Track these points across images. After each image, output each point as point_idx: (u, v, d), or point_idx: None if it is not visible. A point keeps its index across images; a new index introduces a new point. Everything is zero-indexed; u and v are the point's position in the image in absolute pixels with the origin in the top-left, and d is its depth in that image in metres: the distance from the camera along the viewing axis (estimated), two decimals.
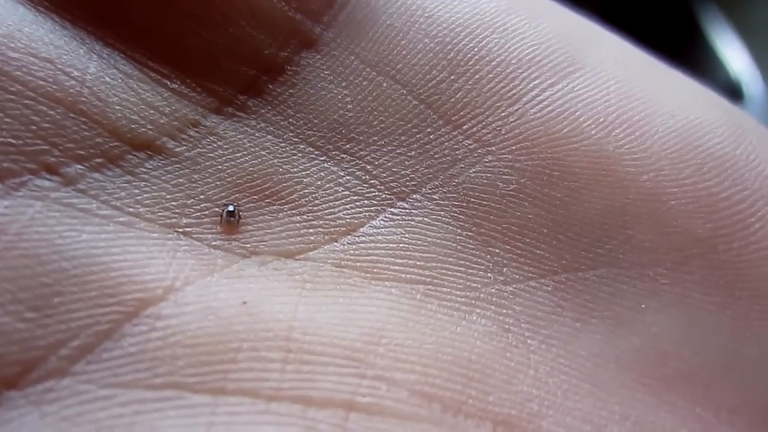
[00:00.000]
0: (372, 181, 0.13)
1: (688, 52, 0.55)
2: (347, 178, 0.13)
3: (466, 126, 0.13)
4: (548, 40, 0.13)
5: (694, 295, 0.12)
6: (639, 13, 0.57)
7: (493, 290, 0.12)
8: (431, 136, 0.13)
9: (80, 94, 0.12)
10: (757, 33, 0.52)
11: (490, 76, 0.13)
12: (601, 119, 0.13)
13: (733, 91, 0.50)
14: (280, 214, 0.12)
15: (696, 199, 0.12)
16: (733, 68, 0.51)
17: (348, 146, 0.13)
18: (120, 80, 0.12)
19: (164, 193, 0.12)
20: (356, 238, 0.12)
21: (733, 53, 0.51)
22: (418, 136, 0.13)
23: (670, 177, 0.12)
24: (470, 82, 0.13)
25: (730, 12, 0.53)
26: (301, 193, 0.13)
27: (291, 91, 0.13)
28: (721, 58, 0.52)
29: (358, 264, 0.12)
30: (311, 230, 0.12)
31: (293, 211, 0.12)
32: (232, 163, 0.13)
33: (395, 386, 0.11)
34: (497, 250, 0.12)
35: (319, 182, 0.13)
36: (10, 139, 0.11)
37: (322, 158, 0.13)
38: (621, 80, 0.13)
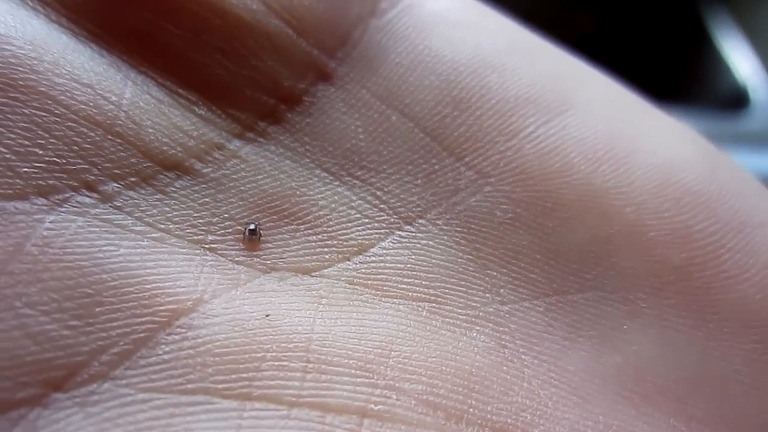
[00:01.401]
0: (381, 206, 0.14)
1: (695, 57, 0.55)
2: (359, 202, 0.14)
3: (467, 158, 0.14)
4: (543, 80, 0.15)
5: (670, 317, 0.13)
6: (647, 19, 0.58)
7: (491, 309, 0.13)
8: (436, 167, 0.14)
9: (117, 117, 0.13)
10: (764, 38, 0.52)
11: (491, 112, 0.14)
12: (590, 156, 0.14)
13: (739, 96, 0.51)
14: (298, 233, 0.13)
15: (673, 231, 0.14)
16: (740, 73, 0.52)
17: (360, 173, 0.14)
18: (153, 105, 0.13)
19: (192, 212, 0.13)
20: (367, 257, 0.13)
21: (740, 58, 0.52)
22: (424, 166, 0.14)
23: (650, 210, 0.14)
24: (472, 118, 0.14)
25: (737, 17, 0.53)
26: (316, 214, 0.14)
27: (308, 120, 0.14)
28: (728, 64, 0.52)
29: (369, 282, 0.13)
30: (326, 249, 0.13)
31: (309, 231, 0.14)
32: (254, 184, 0.14)
33: (404, 395, 0.12)
34: (495, 273, 0.14)
35: (333, 205, 0.14)
36: (54, 158, 0.12)
37: (336, 183, 0.14)
38: (608, 119, 0.15)
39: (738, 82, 0.52)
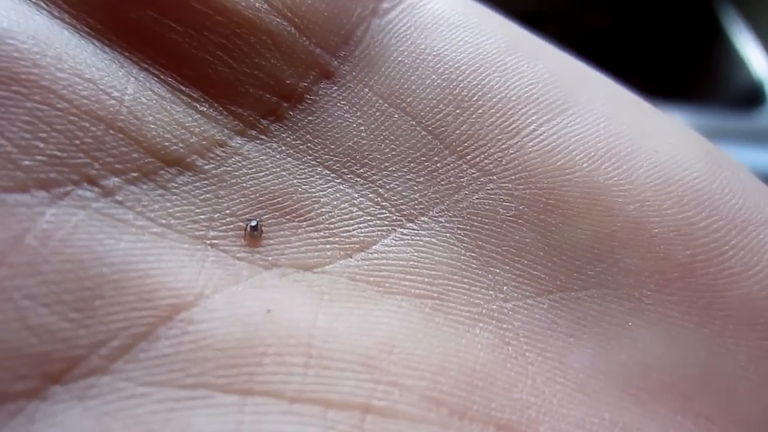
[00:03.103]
0: (383, 203, 0.14)
1: (710, 53, 0.55)
2: (361, 199, 0.14)
3: (469, 156, 0.14)
4: (544, 79, 0.15)
5: (675, 314, 0.13)
6: (661, 15, 0.57)
7: (494, 306, 0.13)
8: (438, 164, 0.14)
9: (119, 112, 0.13)
10: None
11: (492, 111, 0.14)
12: (592, 153, 0.14)
13: (754, 93, 0.50)
14: (299, 230, 0.13)
15: (677, 228, 0.14)
16: (755, 70, 0.51)
17: (362, 170, 0.14)
18: (155, 101, 0.13)
19: (193, 207, 0.13)
20: (369, 254, 0.13)
21: (755, 55, 0.52)
22: (426, 163, 0.14)
23: (653, 207, 0.14)
24: (474, 116, 0.14)
25: (752, 14, 0.53)
26: (318, 211, 0.14)
27: (310, 118, 0.14)
28: (743, 60, 0.52)
29: (371, 278, 0.13)
30: (328, 246, 0.13)
31: (311, 228, 0.13)
32: (255, 181, 0.13)
33: (407, 391, 0.11)
34: (498, 270, 0.13)
35: (335, 202, 0.14)
36: (56, 152, 0.12)
37: (338, 180, 0.14)
38: (609, 118, 0.15)
39: (753, 79, 0.52)
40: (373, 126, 0.14)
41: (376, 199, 0.14)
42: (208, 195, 0.13)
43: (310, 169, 0.14)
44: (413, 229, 0.14)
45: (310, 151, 0.14)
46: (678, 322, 0.13)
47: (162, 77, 0.13)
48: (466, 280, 0.13)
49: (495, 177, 0.14)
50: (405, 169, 0.14)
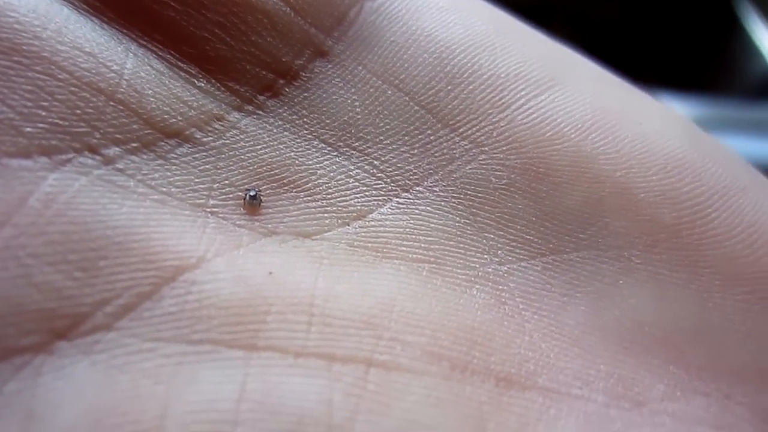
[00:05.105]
0: (379, 175, 0.14)
1: (725, 44, 0.54)
2: (357, 171, 0.14)
3: (462, 129, 0.15)
4: (532, 59, 0.15)
5: (664, 272, 0.14)
6: (675, 5, 0.56)
7: (490, 269, 0.13)
8: (431, 137, 0.14)
9: (119, 85, 0.13)
10: None
11: (483, 87, 0.15)
12: (579, 125, 0.15)
13: None
14: (297, 200, 0.14)
15: (662, 193, 0.14)
16: None
17: (357, 144, 0.14)
18: (154, 76, 0.13)
19: (193, 177, 0.13)
20: (366, 222, 0.14)
21: None
22: (419, 137, 0.14)
23: (639, 174, 0.14)
24: (465, 92, 0.15)
25: (767, 5, 0.52)
26: (315, 182, 0.14)
27: (305, 94, 0.14)
28: (759, 51, 0.52)
29: (369, 244, 0.13)
30: (325, 215, 0.14)
31: (309, 198, 0.14)
32: (253, 153, 0.14)
33: (409, 347, 0.12)
34: (492, 236, 0.14)
35: (331, 174, 0.14)
36: (57, 120, 0.12)
37: (334, 153, 0.14)
38: (596, 94, 0.15)
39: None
40: (367, 102, 0.15)
41: (371, 171, 0.14)
42: (207, 166, 0.13)
43: (307, 143, 0.14)
44: (409, 198, 0.14)
45: (306, 126, 0.14)
46: (667, 279, 0.14)
47: (160, 54, 0.14)
48: (461, 245, 0.14)
49: (487, 148, 0.14)
50: (399, 142, 0.14)
